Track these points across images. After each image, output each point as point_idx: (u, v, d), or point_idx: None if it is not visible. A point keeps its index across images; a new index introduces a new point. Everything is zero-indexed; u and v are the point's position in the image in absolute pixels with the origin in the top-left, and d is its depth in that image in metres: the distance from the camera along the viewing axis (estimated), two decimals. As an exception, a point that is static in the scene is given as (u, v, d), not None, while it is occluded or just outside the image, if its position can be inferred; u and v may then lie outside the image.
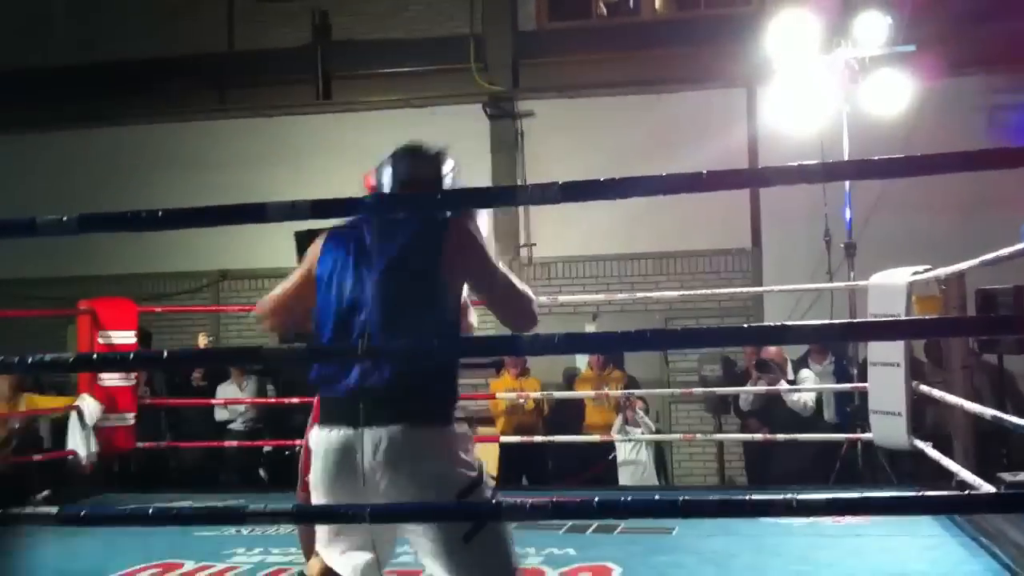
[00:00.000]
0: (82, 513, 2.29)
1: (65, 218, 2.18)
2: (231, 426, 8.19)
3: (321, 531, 2.65)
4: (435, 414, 2.55)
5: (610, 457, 7.75)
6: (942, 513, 4.78)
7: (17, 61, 10.70)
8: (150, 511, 2.16)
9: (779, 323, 2.02)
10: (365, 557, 2.57)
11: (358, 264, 2.63)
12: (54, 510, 2.26)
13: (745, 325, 7.49)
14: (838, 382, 7.23)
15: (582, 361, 8.61)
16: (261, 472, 7.93)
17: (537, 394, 7.62)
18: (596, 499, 2.08)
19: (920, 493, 2.15)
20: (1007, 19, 8.55)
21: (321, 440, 2.54)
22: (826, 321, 2.06)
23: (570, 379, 8.43)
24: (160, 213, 2.17)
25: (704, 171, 2.03)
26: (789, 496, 2.01)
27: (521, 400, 7.76)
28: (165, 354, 2.14)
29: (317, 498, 2.57)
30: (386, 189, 2.79)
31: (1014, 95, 8.95)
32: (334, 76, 10.54)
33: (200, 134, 10.59)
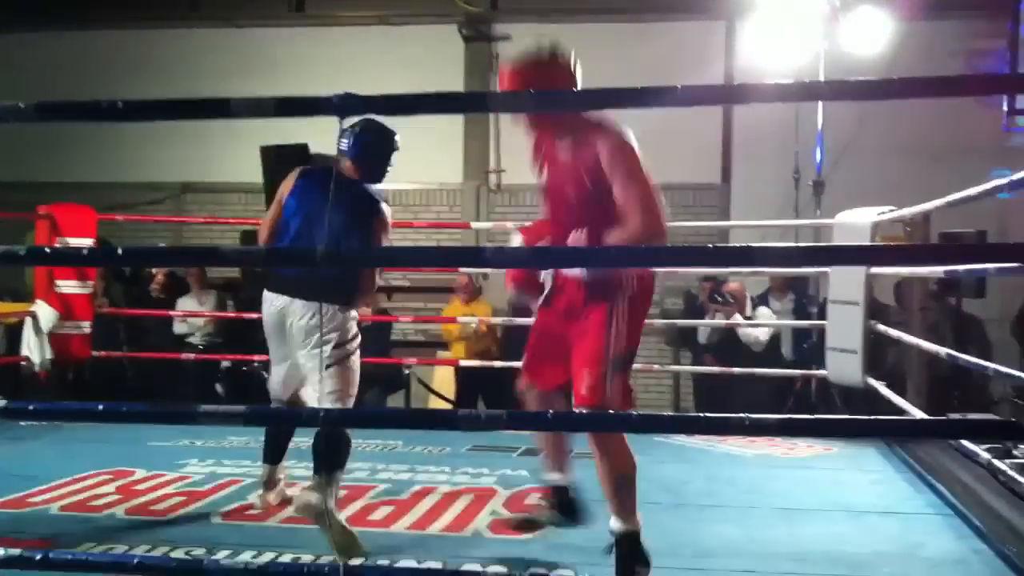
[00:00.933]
0: (30, 407, 2.26)
1: (23, 104, 2.12)
2: (189, 339, 8.13)
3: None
4: (345, 302, 3.93)
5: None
6: (880, 436, 4.87)
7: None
8: (100, 407, 2.13)
9: (744, 244, 2.00)
10: (285, 366, 4.02)
11: (318, 204, 3.89)
12: (1, 403, 2.23)
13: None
14: (797, 319, 7.30)
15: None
16: (218, 387, 7.89)
17: (472, 319, 7.68)
18: (550, 412, 2.08)
19: (863, 417, 2.16)
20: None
21: (269, 300, 3.95)
22: (789, 244, 2.05)
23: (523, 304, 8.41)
24: (120, 104, 2.11)
25: (678, 85, 1.99)
26: (742, 415, 2.01)
27: (473, 326, 7.79)
28: (120, 250, 2.09)
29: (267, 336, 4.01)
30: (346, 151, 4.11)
31: (991, 40, 8.93)
32: (309, -12, 10.31)
33: (171, 41, 10.37)
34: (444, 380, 8.22)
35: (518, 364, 3.48)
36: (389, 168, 4.24)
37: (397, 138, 4.26)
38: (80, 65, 10.22)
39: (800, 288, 7.60)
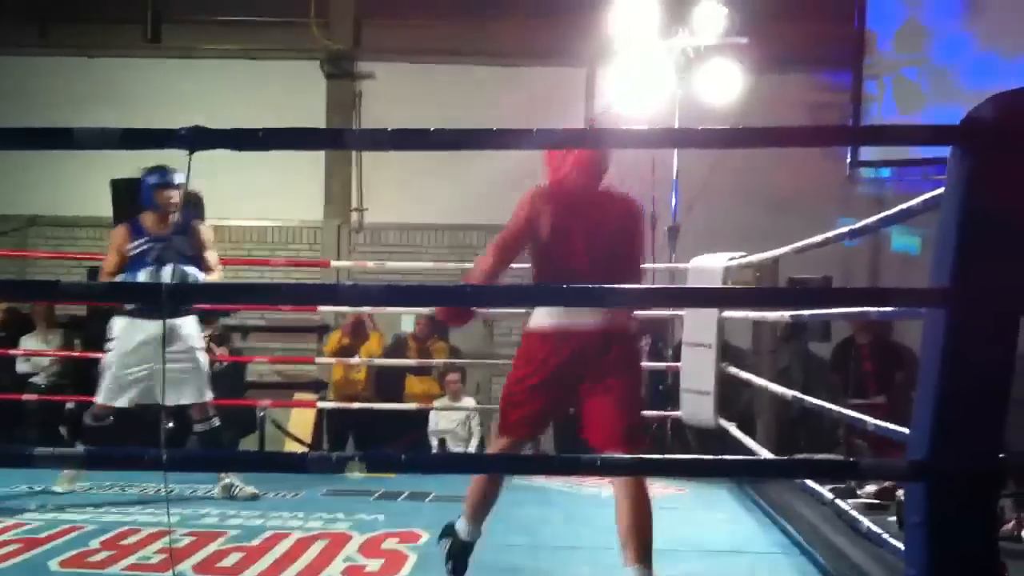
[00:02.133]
0: None
1: None
2: (33, 379, 7.75)
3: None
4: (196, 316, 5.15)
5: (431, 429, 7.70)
6: (729, 475, 4.99)
7: None
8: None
9: (597, 285, 2.03)
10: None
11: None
12: None
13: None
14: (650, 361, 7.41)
15: (408, 328, 8.55)
16: (62, 429, 7.53)
17: (354, 359, 7.54)
18: (403, 455, 2.05)
19: (713, 456, 2.21)
20: (828, 20, 8.99)
21: (132, 323, 4.97)
22: (649, 286, 2.08)
23: (399, 345, 8.32)
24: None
25: (535, 129, 2.02)
26: (595, 456, 2.03)
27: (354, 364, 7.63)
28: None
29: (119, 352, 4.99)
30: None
31: (835, 94, 9.40)
32: (165, 19, 10.04)
33: (22, 70, 9.95)
34: (300, 423, 8.04)
35: (381, 406, 3.46)
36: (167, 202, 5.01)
37: (175, 175, 4.98)
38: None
39: (655, 330, 7.73)
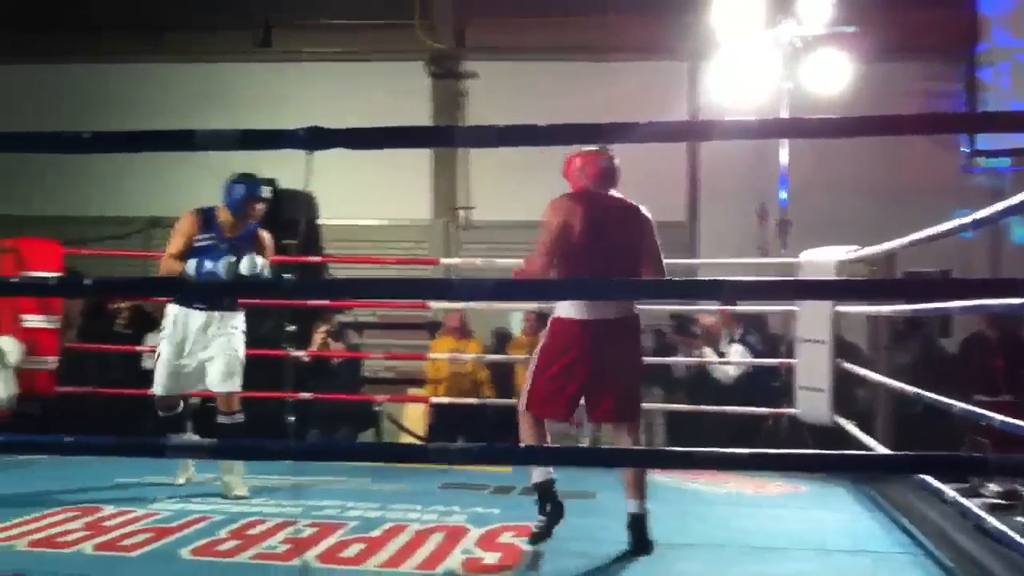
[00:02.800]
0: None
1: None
2: (158, 375, 8.02)
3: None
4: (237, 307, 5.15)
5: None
6: (848, 470, 4.92)
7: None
8: (68, 439, 2.11)
9: (713, 278, 2.03)
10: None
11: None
12: None
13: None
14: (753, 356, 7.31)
15: (515, 326, 8.61)
16: (187, 424, 7.79)
17: (470, 356, 7.61)
18: (520, 446, 2.09)
19: (830, 452, 2.18)
20: (940, 6, 8.72)
21: (183, 312, 5.05)
22: (757, 277, 2.08)
23: (501, 340, 8.39)
24: (87, 135, 2.11)
25: (642, 121, 2.03)
26: (713, 450, 2.03)
27: (465, 362, 7.69)
28: (89, 281, 2.08)
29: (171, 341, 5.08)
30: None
31: (948, 83, 9.13)
32: (275, 24, 10.33)
33: (138, 77, 10.34)
34: (415, 418, 8.17)
35: (495, 401, 3.57)
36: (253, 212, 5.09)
37: (264, 189, 5.11)
38: (41, 99, 10.19)
39: (758, 327, 7.63)
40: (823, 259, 5.88)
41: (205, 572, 3.73)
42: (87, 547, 4.02)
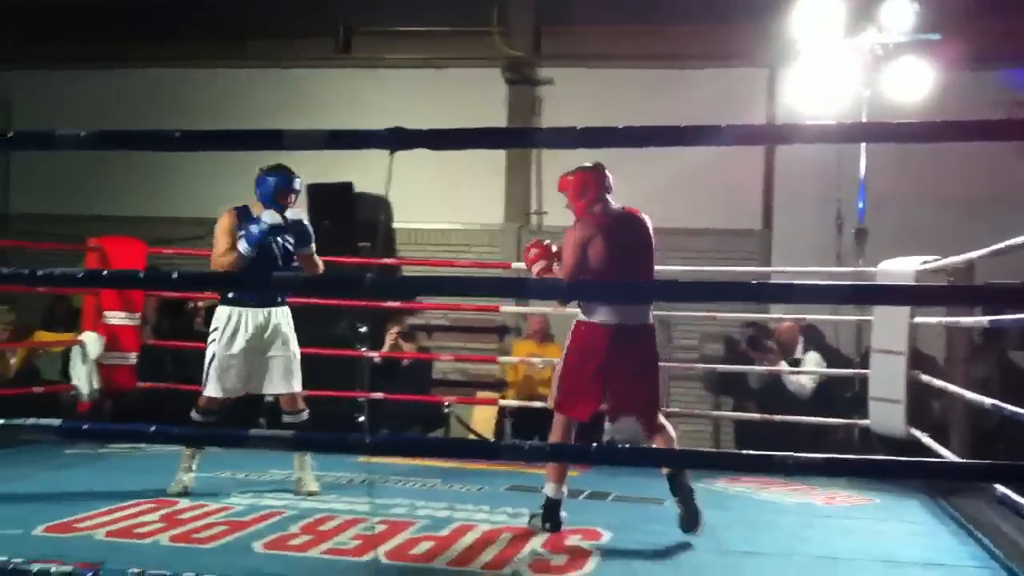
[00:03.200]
0: (84, 427, 2.31)
1: (83, 133, 2.20)
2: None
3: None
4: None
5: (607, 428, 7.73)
6: (924, 477, 4.84)
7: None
8: (152, 429, 2.18)
9: (786, 282, 2.02)
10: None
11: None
12: (56, 422, 2.27)
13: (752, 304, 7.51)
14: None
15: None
16: (261, 420, 7.94)
17: (539, 360, 7.63)
18: (594, 446, 2.10)
19: (907, 459, 2.15)
20: (1021, 13, 8.51)
21: (234, 311, 5.03)
22: (830, 283, 2.06)
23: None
24: (177, 134, 2.18)
25: (723, 124, 2.03)
26: (787, 454, 2.02)
27: (540, 366, 7.68)
28: (175, 275, 2.15)
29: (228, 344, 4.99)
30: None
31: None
32: (355, 31, 10.48)
33: (219, 83, 10.56)
34: (483, 421, 8.22)
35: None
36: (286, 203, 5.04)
37: (296, 180, 5.11)
38: (127, 103, 10.43)
39: (817, 339, 7.53)
40: (901, 268, 5.80)
41: (278, 565, 3.80)
42: (163, 538, 4.12)
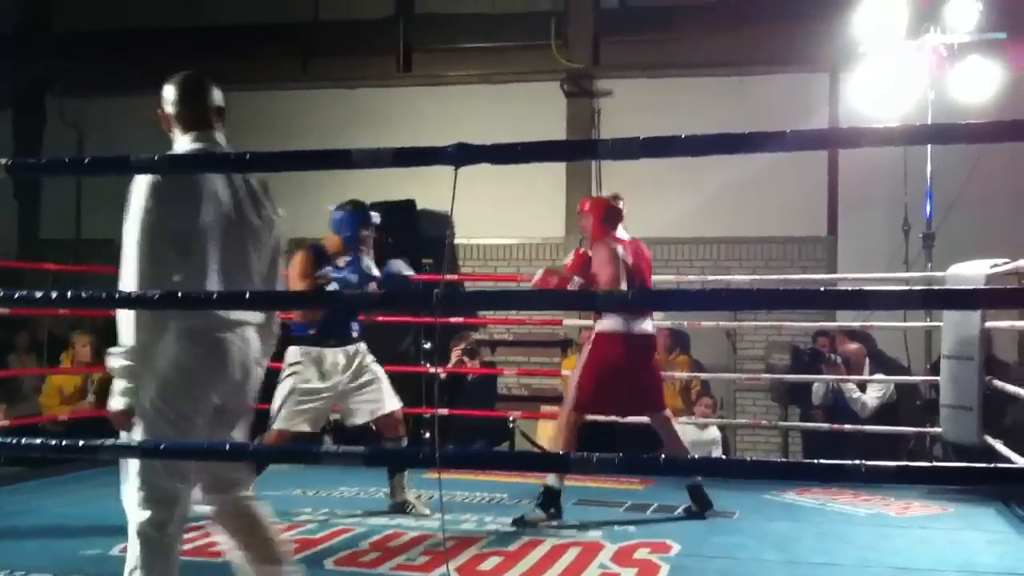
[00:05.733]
0: (161, 446, 2.36)
1: (157, 157, 2.26)
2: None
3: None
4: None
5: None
6: (1000, 483, 4.71)
7: (122, 23, 10.93)
8: (227, 446, 2.22)
9: (857, 287, 2.00)
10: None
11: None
12: (135, 441, 2.32)
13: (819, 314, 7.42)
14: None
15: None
16: (327, 439, 8.02)
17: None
18: (663, 455, 2.09)
19: (982, 465, 2.10)
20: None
21: (311, 351, 4.86)
22: (903, 287, 2.04)
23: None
24: (248, 156, 2.23)
25: (788, 130, 2.02)
26: (859, 462, 1.99)
27: None
28: (248, 294, 2.18)
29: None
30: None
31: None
32: (415, 49, 10.57)
33: (283, 102, 10.72)
34: (546, 435, 8.21)
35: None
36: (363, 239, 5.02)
37: (373, 215, 5.11)
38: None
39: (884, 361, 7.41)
40: (971, 273, 5.68)
41: (349, 580, 3.83)
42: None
